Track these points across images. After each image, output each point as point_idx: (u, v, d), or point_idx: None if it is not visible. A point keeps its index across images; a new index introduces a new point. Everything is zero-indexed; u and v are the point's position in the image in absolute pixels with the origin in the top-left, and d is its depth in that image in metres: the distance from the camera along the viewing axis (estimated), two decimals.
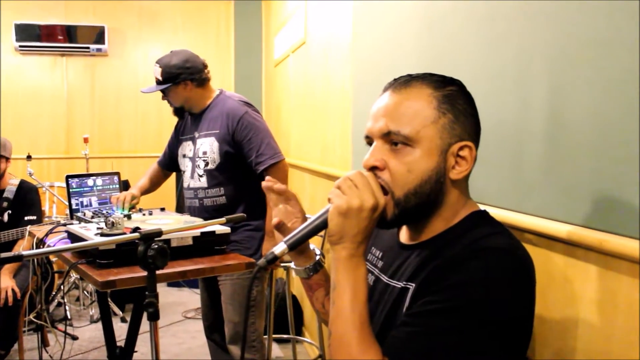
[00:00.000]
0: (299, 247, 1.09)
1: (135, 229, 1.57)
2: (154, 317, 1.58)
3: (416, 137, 1.04)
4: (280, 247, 1.07)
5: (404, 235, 1.18)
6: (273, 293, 3.33)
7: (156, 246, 1.54)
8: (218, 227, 2.21)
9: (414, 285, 1.05)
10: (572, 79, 1.13)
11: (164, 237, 1.64)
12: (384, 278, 1.17)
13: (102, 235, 2.01)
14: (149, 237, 1.56)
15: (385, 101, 1.09)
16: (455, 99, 1.06)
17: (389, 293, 1.12)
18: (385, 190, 1.05)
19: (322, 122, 3.43)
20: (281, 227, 1.29)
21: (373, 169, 1.07)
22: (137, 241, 1.58)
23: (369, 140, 1.11)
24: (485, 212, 1.11)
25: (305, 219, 1.32)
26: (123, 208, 2.59)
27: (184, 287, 5.03)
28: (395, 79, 1.12)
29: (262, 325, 2.79)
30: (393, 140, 1.06)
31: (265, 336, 2.95)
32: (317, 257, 1.33)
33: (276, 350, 3.79)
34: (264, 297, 2.80)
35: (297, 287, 4.14)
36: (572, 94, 1.13)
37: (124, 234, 1.99)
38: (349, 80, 2.81)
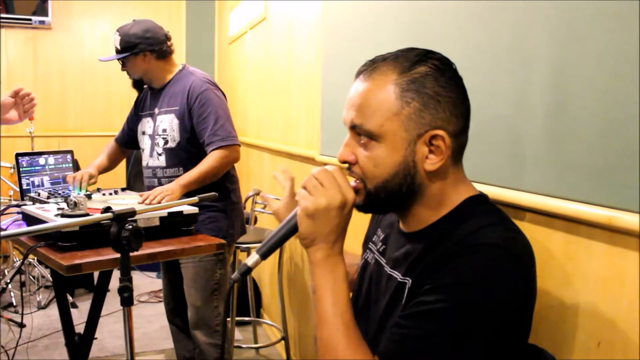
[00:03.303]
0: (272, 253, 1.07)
1: (107, 209, 1.47)
2: (128, 302, 1.49)
3: (379, 132, 0.99)
4: (252, 258, 1.04)
5: (400, 221, 1.13)
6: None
7: (130, 227, 1.45)
8: (186, 207, 2.13)
9: (410, 280, 1.01)
10: (578, 52, 1.11)
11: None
12: (384, 263, 1.13)
13: (63, 216, 1.88)
14: (122, 217, 1.46)
15: (355, 89, 1.04)
16: (422, 83, 0.98)
17: (387, 281, 1.09)
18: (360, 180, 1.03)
19: (285, 100, 3.35)
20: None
21: (346, 162, 1.05)
22: (106, 222, 1.49)
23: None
24: (481, 197, 1.06)
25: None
26: (80, 188, 2.46)
27: (136, 270, 4.87)
28: (368, 61, 1.05)
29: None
30: (359, 133, 1.02)
31: (228, 319, 2.88)
32: None
33: (236, 333, 3.72)
34: (227, 281, 2.73)
35: (256, 270, 4.07)
36: (578, 68, 1.11)
37: (87, 214, 1.88)
38: (316, 55, 2.74)
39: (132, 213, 1.49)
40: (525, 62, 1.25)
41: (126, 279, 1.48)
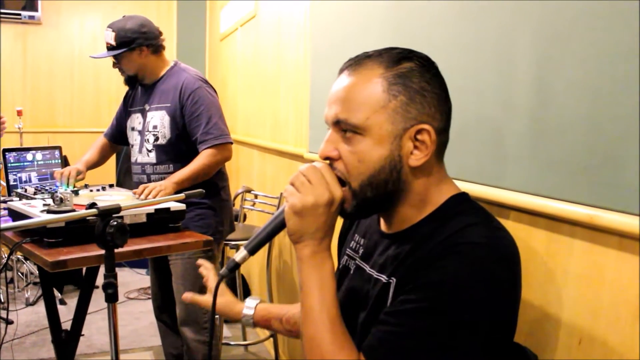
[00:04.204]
0: (258, 251, 1.06)
1: (92, 205, 1.46)
2: (113, 298, 1.49)
3: (364, 125, 0.98)
4: (240, 254, 1.04)
5: (382, 222, 1.12)
6: None
7: (115, 223, 1.44)
8: (173, 203, 2.12)
9: (395, 280, 1.00)
10: (561, 52, 1.11)
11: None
12: (367, 268, 1.12)
13: (49, 212, 1.88)
14: (107, 213, 1.46)
15: (338, 85, 1.03)
16: (408, 78, 0.98)
17: (372, 285, 1.07)
18: (342, 181, 1.01)
19: (274, 97, 3.35)
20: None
21: (328, 159, 1.03)
22: (92, 218, 1.48)
23: (328, 126, 1.06)
24: (464, 196, 1.05)
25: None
26: (67, 184, 2.44)
27: (125, 267, 4.86)
28: (350, 59, 1.04)
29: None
30: (343, 128, 1.01)
31: (217, 316, 2.88)
32: (244, 310, 1.39)
33: (224, 330, 3.72)
34: (216, 277, 2.72)
35: (245, 267, 4.07)
36: (562, 68, 1.11)
37: (73, 210, 1.87)
38: (304, 53, 2.74)
39: (117, 209, 1.48)
40: (509, 61, 1.26)
41: (111, 275, 1.48)
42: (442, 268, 0.91)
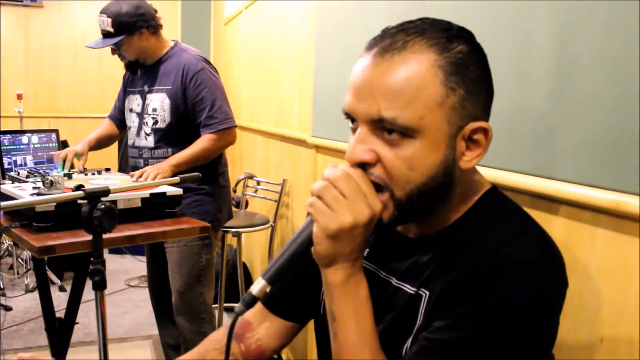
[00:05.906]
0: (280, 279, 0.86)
1: (79, 187, 1.38)
2: (101, 286, 1.41)
3: (419, 126, 0.79)
4: (258, 285, 0.85)
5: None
6: (224, 261, 3.18)
7: (103, 206, 1.36)
8: (169, 188, 2.03)
9: (428, 293, 0.86)
10: (584, 21, 1.01)
11: (110, 197, 1.46)
12: (380, 273, 0.97)
13: (38, 195, 1.79)
14: (95, 196, 1.38)
15: (372, 71, 0.82)
16: (465, 66, 0.81)
17: (391, 294, 0.93)
18: (379, 186, 0.83)
19: (278, 82, 3.25)
20: None
21: (362, 164, 0.84)
22: (80, 201, 1.40)
23: (349, 117, 0.86)
24: (497, 191, 0.92)
25: None
26: (63, 167, 2.36)
27: (127, 254, 4.81)
28: (383, 34, 0.84)
29: (212, 295, 2.63)
30: (386, 127, 0.81)
31: (215, 305, 2.81)
32: None
33: (226, 320, 3.65)
34: (213, 266, 2.64)
35: (247, 255, 4.00)
36: (584, 39, 1.01)
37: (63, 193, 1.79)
38: (309, 36, 2.64)
39: (106, 192, 1.40)
40: (526, 32, 1.16)
41: (98, 261, 1.40)
42: (500, 289, 0.78)
